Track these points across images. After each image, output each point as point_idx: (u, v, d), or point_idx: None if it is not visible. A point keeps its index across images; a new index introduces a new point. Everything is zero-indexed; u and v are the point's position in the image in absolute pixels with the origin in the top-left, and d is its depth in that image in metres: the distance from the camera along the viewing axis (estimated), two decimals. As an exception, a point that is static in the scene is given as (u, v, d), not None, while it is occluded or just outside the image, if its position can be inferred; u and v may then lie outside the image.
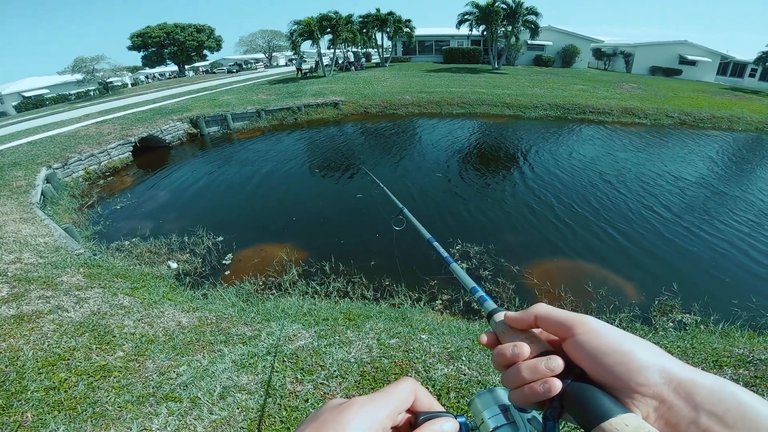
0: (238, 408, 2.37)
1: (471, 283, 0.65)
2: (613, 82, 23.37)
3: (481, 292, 0.60)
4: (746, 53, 31.53)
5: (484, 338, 0.49)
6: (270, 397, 2.45)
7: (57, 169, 9.56)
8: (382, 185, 1.98)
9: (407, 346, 3.00)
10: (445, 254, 0.82)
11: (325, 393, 2.49)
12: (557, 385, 0.40)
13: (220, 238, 6.63)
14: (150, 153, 12.60)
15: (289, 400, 2.43)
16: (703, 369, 2.42)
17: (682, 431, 0.35)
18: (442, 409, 0.43)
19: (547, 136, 13.49)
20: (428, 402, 0.43)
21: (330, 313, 3.72)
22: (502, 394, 0.52)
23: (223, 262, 5.95)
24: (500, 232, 6.91)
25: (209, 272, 5.64)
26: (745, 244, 6.42)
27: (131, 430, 2.19)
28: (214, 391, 2.50)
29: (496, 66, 28.00)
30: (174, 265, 5.73)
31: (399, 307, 4.51)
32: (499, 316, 0.50)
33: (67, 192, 9.01)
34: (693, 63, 30.86)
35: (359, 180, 9.75)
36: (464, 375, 2.62)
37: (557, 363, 0.41)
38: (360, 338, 3.14)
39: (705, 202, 8.21)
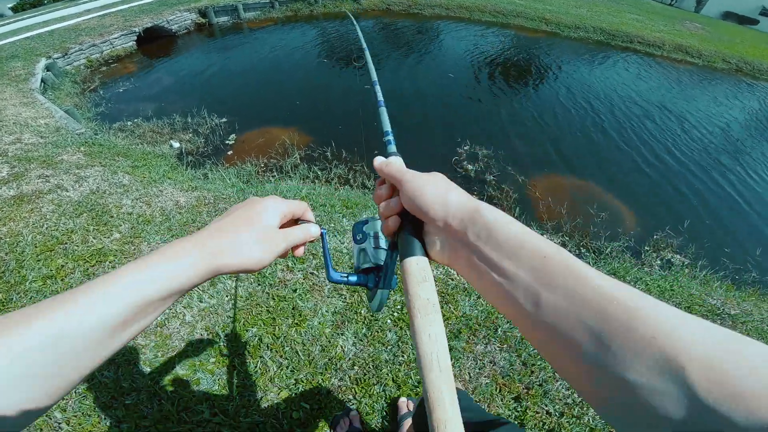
0: (227, 296, 2.35)
1: (387, 126, 0.68)
2: (675, 18, 19.26)
3: (390, 136, 0.66)
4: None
5: (377, 182, 0.58)
6: (259, 285, 2.42)
7: (57, 59, 9.00)
8: (356, 26, 1.68)
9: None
10: (381, 97, 0.80)
11: (313, 283, 2.42)
12: (393, 223, 0.50)
13: (224, 120, 6.31)
14: (156, 42, 11.66)
15: (278, 289, 2.39)
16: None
17: (460, 254, 0.42)
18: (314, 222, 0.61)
19: (584, 58, 11.67)
20: (311, 219, 0.62)
21: (328, 200, 3.54)
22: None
23: (226, 142, 5.71)
24: (512, 138, 6.43)
25: (211, 152, 5.47)
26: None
27: (123, 316, 2.22)
28: (205, 277, 2.48)
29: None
30: (176, 145, 5.54)
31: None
32: None
33: (69, 78, 8.56)
34: (776, 15, 24.98)
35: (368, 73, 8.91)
36: (452, 280, 2.48)
37: (395, 203, 0.50)
38: (356, 227, 2.99)
39: (751, 148, 7.21)
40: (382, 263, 0.58)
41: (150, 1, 14.49)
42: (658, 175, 5.90)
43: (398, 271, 0.49)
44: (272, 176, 4.78)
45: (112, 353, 0.39)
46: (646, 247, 4.38)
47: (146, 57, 10.54)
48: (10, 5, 27.51)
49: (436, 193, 0.45)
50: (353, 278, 0.58)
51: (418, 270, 0.42)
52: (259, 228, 0.50)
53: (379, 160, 0.55)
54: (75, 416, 1.74)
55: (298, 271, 2.52)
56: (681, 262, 4.20)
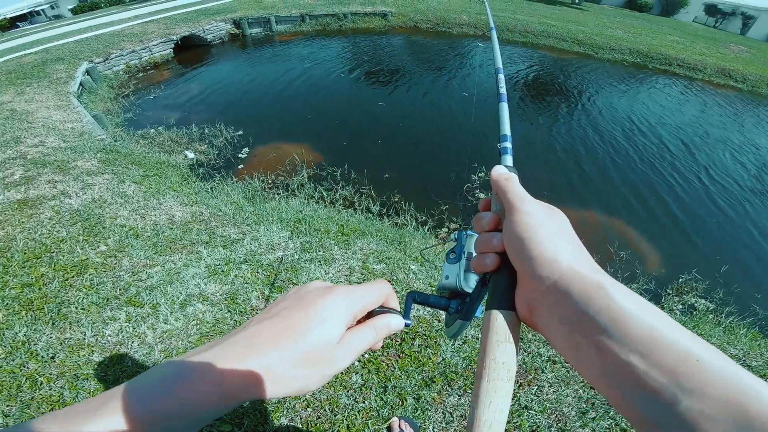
0: (194, 320, 2.23)
1: (507, 128, 0.61)
2: (718, 41, 18.62)
3: (508, 143, 0.58)
4: None
5: (482, 201, 0.49)
6: (229, 312, 2.28)
7: (98, 63, 9.52)
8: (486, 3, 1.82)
9: (392, 275, 2.64)
10: (503, 89, 0.74)
11: (286, 315, 2.27)
12: (491, 263, 0.40)
13: (240, 132, 6.41)
14: (191, 50, 12.25)
15: (248, 317, 2.25)
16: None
17: (557, 329, 0.33)
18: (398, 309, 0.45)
19: (616, 81, 11.26)
20: (394, 306, 0.45)
21: (324, 224, 3.40)
22: None
23: (239, 155, 5.74)
24: (531, 166, 6.18)
25: (223, 165, 5.51)
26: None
27: (85, 335, 2.13)
28: (177, 299, 2.37)
29: (577, 0, 24.27)
30: (191, 155, 5.60)
31: (401, 228, 4.12)
32: None
33: (106, 83, 8.97)
34: (832, 40, 23.90)
35: (387, 88, 9.02)
36: (439, 321, 2.26)
37: (497, 241, 0.40)
38: (345, 258, 2.82)
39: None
40: (469, 291, 0.50)
41: (190, 11, 15.39)
42: (689, 212, 5.45)
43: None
44: (277, 193, 4.71)
45: None
46: (668, 290, 4.00)
47: (181, 65, 10.99)
48: (70, 7, 29.42)
49: (547, 244, 0.36)
50: (434, 299, 0.49)
51: (502, 327, 0.35)
52: (306, 346, 0.36)
53: (499, 171, 0.45)
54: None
55: (274, 300, 2.38)
56: (705, 307, 3.80)
